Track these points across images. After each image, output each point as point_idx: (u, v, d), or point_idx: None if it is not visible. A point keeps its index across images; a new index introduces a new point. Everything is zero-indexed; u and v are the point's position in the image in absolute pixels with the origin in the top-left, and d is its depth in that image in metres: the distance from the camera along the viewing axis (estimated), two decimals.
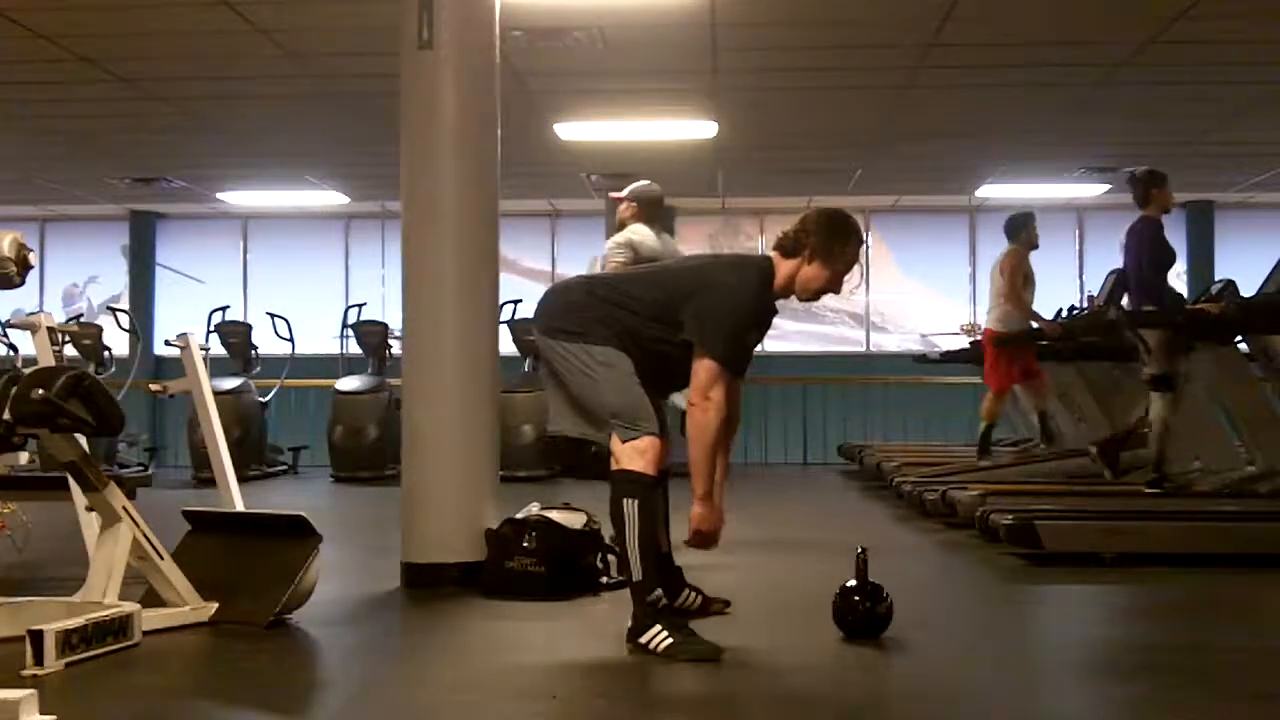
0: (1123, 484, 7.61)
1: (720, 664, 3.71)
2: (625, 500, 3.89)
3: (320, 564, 4.53)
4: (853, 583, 4.07)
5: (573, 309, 4.04)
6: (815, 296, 4.16)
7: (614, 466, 3.97)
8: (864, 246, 4.17)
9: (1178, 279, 8.65)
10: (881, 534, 7.21)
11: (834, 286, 4.13)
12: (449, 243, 5.34)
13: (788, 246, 4.07)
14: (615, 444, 3.95)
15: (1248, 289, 6.58)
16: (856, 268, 4.16)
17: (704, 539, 4.08)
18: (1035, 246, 8.73)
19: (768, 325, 4.16)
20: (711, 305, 3.93)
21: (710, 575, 4.68)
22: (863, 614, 4.05)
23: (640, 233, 6.05)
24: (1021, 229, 8.68)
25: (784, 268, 4.07)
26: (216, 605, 4.35)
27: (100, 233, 14.64)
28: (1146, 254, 6.97)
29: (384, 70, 6.11)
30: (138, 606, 4.06)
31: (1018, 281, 8.59)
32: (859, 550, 4.05)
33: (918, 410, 13.68)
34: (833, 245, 4.04)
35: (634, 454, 3.92)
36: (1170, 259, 7.11)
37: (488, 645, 4.22)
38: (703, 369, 3.92)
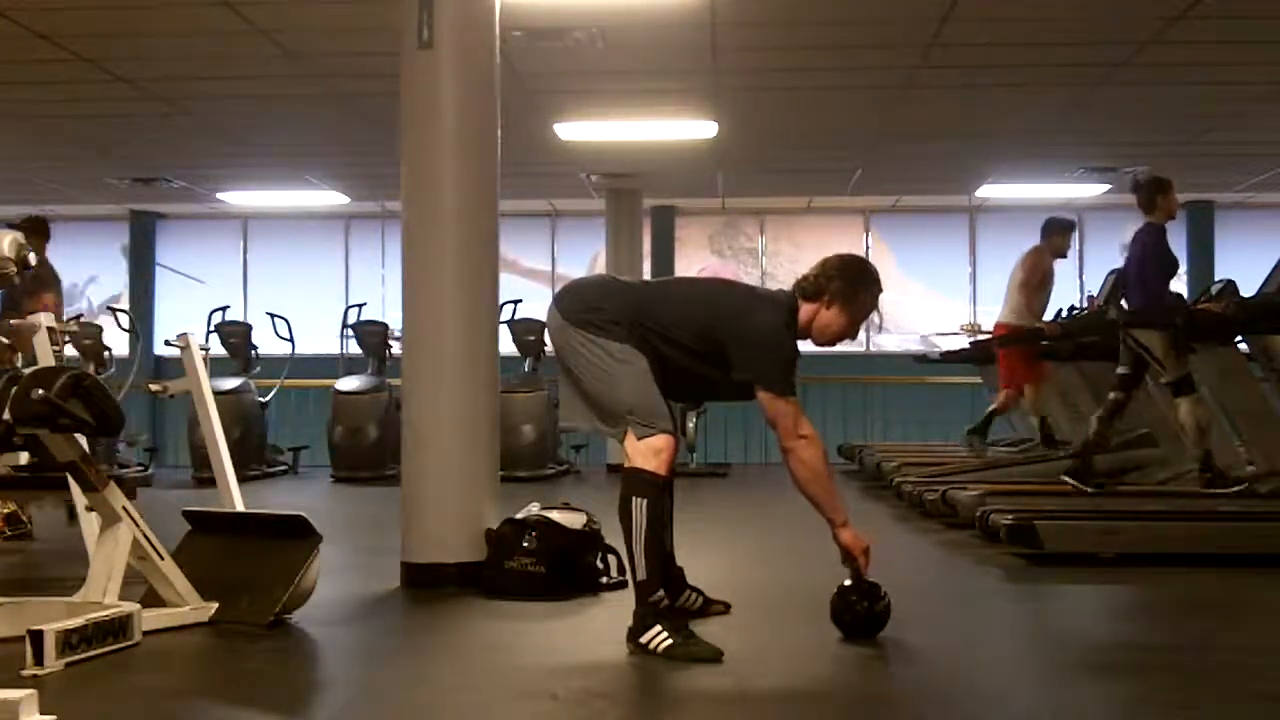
0: (1122, 484, 7.61)
1: (720, 665, 3.71)
2: (634, 499, 3.90)
3: (320, 564, 4.53)
4: (849, 582, 4.08)
5: (596, 307, 4.04)
6: (832, 341, 4.16)
7: (626, 464, 3.97)
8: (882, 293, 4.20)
9: (1178, 281, 8.65)
10: (881, 534, 7.19)
11: (851, 332, 4.15)
12: (449, 243, 5.34)
13: (808, 290, 4.09)
14: (630, 441, 3.96)
15: (1248, 289, 6.58)
16: (874, 314, 4.19)
17: (867, 554, 4.08)
18: (1063, 255, 8.83)
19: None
20: (764, 352, 3.96)
21: (710, 576, 4.68)
22: (860, 613, 4.06)
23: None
24: (1055, 232, 8.75)
25: (804, 310, 4.09)
26: (216, 605, 4.35)
27: (100, 233, 14.64)
28: (1149, 261, 6.96)
29: (384, 70, 6.10)
30: (138, 606, 4.06)
31: (1034, 277, 8.66)
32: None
33: (918, 410, 13.69)
34: (855, 291, 4.07)
35: (649, 453, 3.93)
36: (1173, 267, 7.10)
37: (488, 645, 4.21)
38: (780, 412, 3.96)
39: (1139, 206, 7.12)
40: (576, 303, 4.09)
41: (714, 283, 4.28)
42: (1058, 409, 9.38)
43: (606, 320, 3.99)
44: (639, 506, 3.89)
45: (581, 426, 4.18)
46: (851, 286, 4.07)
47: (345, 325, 12.53)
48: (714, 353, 4.00)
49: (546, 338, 4.37)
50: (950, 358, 11.11)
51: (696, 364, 4.03)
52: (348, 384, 11.72)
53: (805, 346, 4.15)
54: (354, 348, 12.34)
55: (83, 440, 4.29)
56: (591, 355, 3.98)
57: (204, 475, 9.71)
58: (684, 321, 4.02)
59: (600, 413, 4.07)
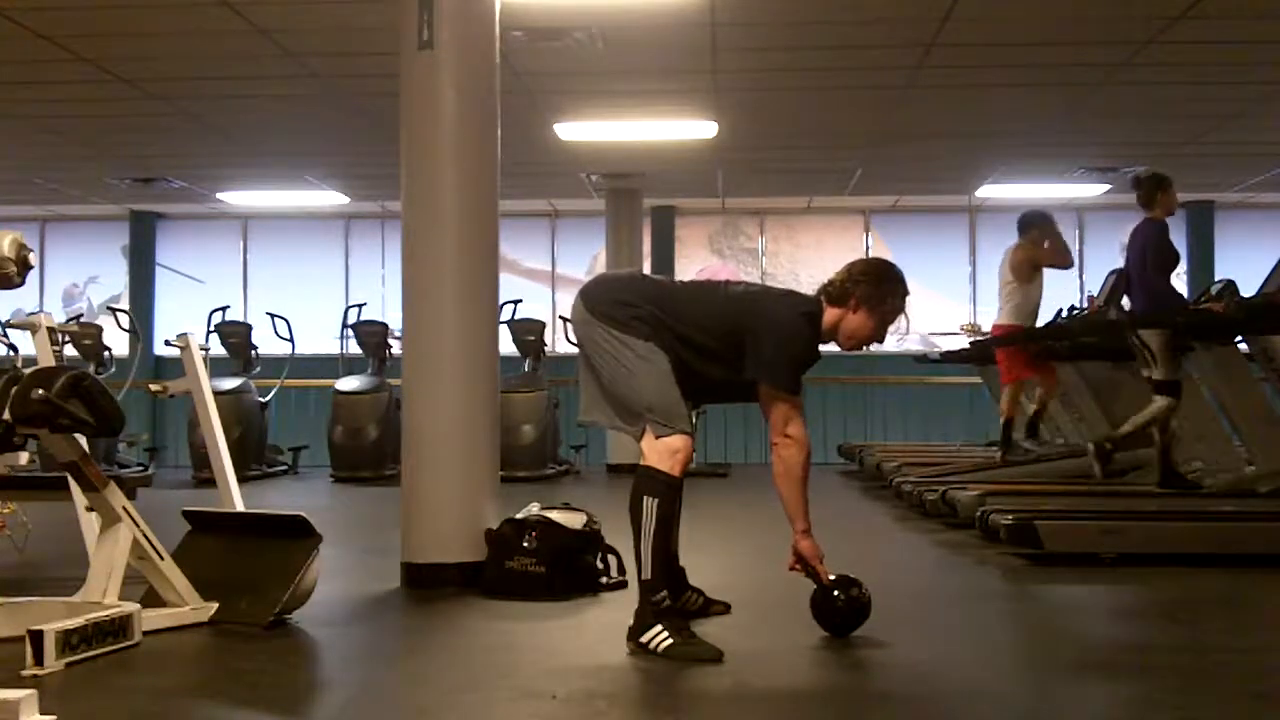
0: (1123, 484, 7.61)
1: (720, 665, 3.71)
2: (646, 498, 3.90)
3: (320, 564, 4.53)
4: (823, 584, 4.10)
5: (622, 302, 4.03)
6: (859, 345, 4.15)
7: (642, 462, 3.97)
8: (909, 296, 4.17)
9: (1178, 279, 8.66)
10: (881, 534, 7.21)
11: (879, 336, 4.14)
12: (449, 243, 5.34)
13: (834, 294, 4.08)
14: (647, 440, 3.96)
15: (1248, 289, 6.58)
16: (902, 317, 4.17)
17: (821, 563, 4.11)
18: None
19: (814, 363, 4.16)
20: (771, 345, 3.95)
21: (710, 576, 4.68)
22: (844, 606, 4.07)
23: None
24: (1032, 227, 8.72)
25: (829, 315, 4.08)
26: (216, 605, 4.35)
27: (100, 233, 14.65)
28: (1150, 256, 6.97)
29: (384, 70, 6.11)
30: (138, 606, 4.06)
31: (1025, 269, 8.67)
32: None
33: (918, 410, 13.70)
34: (882, 295, 4.06)
35: (665, 453, 3.93)
36: (1174, 261, 7.11)
37: (488, 645, 4.21)
38: (777, 408, 3.97)
39: (1139, 202, 7.13)
40: (603, 297, 4.07)
41: (738, 285, 4.26)
42: (1059, 410, 9.38)
43: (632, 317, 3.98)
44: (650, 506, 3.89)
45: (600, 422, 4.18)
46: (878, 290, 4.06)
47: (345, 325, 12.54)
48: (732, 353, 4.00)
49: (571, 331, 4.36)
50: (950, 358, 11.11)
51: (715, 365, 4.02)
52: (348, 384, 11.73)
53: None
54: (354, 348, 12.35)
55: (83, 440, 4.29)
56: (615, 351, 3.98)
57: (204, 475, 9.72)
58: (706, 321, 4.02)
59: (620, 409, 4.07)
